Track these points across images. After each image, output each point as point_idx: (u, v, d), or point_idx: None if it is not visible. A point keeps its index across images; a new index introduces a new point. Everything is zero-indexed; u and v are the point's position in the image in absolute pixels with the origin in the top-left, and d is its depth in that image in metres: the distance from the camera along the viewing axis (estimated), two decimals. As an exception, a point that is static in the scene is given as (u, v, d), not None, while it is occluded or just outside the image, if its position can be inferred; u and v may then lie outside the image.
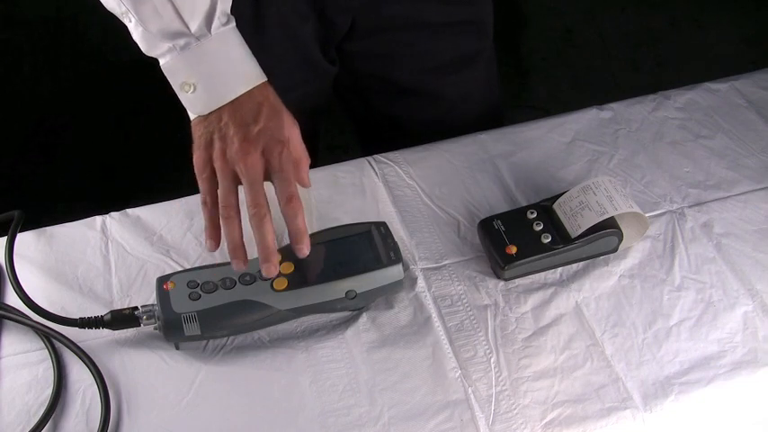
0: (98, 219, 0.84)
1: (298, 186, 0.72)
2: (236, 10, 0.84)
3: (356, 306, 0.75)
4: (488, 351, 0.72)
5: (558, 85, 2.16)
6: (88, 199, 1.16)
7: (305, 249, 0.70)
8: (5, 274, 0.76)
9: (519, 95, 2.11)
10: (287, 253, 0.74)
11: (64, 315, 0.72)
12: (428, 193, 0.87)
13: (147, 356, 0.72)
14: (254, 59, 0.74)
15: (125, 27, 0.73)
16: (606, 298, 0.76)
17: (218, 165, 0.70)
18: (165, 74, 0.73)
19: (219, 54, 0.72)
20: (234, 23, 0.73)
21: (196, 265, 0.78)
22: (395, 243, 0.75)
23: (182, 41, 0.70)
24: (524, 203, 0.84)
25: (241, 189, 0.71)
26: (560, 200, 0.80)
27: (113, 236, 0.82)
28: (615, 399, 0.69)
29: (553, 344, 0.73)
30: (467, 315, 0.75)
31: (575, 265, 0.79)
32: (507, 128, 0.95)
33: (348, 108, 1.10)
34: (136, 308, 0.72)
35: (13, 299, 0.75)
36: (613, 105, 0.97)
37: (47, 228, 0.83)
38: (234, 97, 0.71)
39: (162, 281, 0.73)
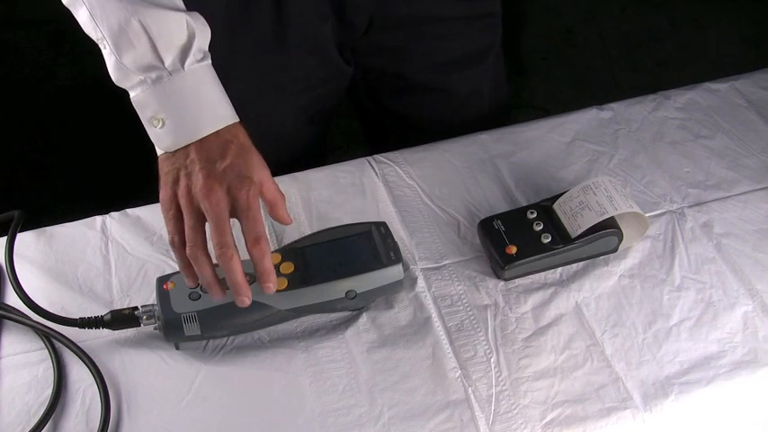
0: (98, 219, 0.84)
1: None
2: (257, 11, 0.83)
3: (356, 306, 0.75)
4: (488, 351, 0.72)
5: (558, 85, 2.16)
6: (88, 199, 1.15)
7: (273, 287, 0.68)
8: (5, 274, 0.76)
9: (519, 95, 2.10)
10: (287, 253, 0.74)
11: (64, 315, 0.72)
12: (428, 193, 0.87)
13: (147, 356, 0.72)
14: (227, 99, 0.72)
15: None
16: (606, 298, 0.76)
17: (182, 202, 0.68)
18: (135, 107, 0.71)
19: (191, 91, 0.70)
20: (209, 61, 0.71)
21: (196, 265, 0.78)
22: (395, 243, 0.75)
23: (153, 75, 0.69)
24: (524, 203, 0.84)
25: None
26: (560, 200, 0.80)
27: (113, 236, 0.82)
28: (615, 399, 0.69)
29: (553, 344, 0.73)
30: (467, 315, 0.75)
31: (575, 265, 0.79)
32: (507, 128, 0.95)
33: (357, 105, 1.10)
34: (136, 308, 0.72)
35: (13, 299, 0.75)
36: (613, 105, 0.97)
37: (47, 228, 0.83)
38: (202, 135, 0.69)
39: (162, 281, 0.73)
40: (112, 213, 0.84)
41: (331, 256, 0.75)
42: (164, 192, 0.70)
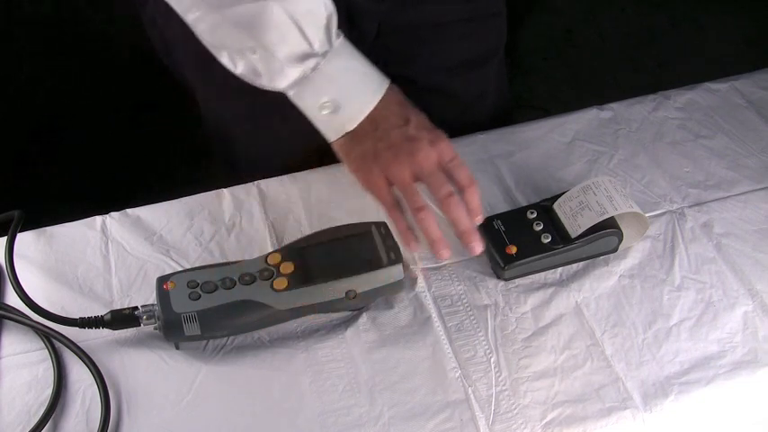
0: (98, 219, 0.84)
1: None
2: None
3: (356, 306, 0.75)
4: (488, 351, 0.72)
5: (558, 85, 2.16)
6: (88, 199, 1.15)
7: (478, 246, 0.72)
8: (5, 274, 0.76)
9: (519, 95, 2.10)
10: (287, 253, 0.74)
11: (64, 315, 0.72)
12: (428, 193, 0.86)
13: (147, 356, 0.72)
14: (373, 64, 0.72)
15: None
16: (606, 298, 0.76)
17: (393, 171, 0.69)
18: (297, 102, 0.70)
19: (347, 66, 0.69)
20: (343, 34, 0.71)
21: (196, 265, 0.78)
22: (395, 243, 0.75)
23: (311, 63, 0.68)
24: (524, 203, 0.84)
25: None
26: (560, 200, 0.80)
27: (113, 236, 0.82)
28: (615, 399, 0.69)
29: (553, 344, 0.73)
30: (467, 315, 0.75)
31: (575, 265, 0.79)
32: (507, 128, 0.95)
33: None
34: (136, 308, 0.72)
35: (13, 299, 0.75)
36: (613, 105, 0.97)
37: (47, 228, 0.83)
38: (376, 103, 0.69)
39: (162, 281, 0.73)
40: (112, 213, 0.84)
41: (331, 256, 0.75)
42: (367, 170, 0.70)
